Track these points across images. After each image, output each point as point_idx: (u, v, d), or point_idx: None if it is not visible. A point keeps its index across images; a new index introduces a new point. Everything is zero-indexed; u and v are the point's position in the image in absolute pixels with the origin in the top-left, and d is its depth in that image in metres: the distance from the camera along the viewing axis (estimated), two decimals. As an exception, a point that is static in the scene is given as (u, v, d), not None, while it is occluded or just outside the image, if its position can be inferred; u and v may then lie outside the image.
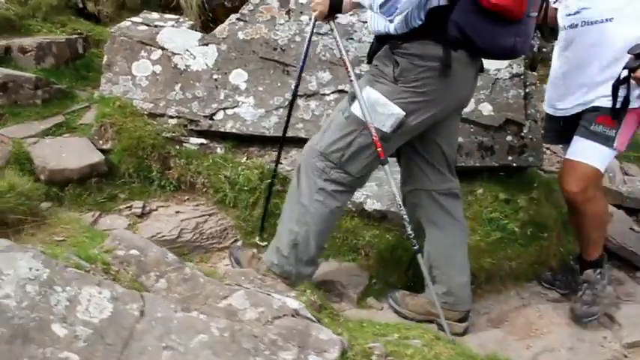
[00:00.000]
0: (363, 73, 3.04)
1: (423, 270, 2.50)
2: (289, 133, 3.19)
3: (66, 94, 3.97)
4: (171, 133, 3.49)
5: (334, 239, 3.12)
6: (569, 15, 2.78)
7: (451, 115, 2.48)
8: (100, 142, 3.48)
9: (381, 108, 2.22)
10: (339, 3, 2.40)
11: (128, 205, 3.26)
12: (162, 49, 3.61)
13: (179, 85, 3.55)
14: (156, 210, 3.26)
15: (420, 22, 2.14)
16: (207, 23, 5.44)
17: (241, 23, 3.55)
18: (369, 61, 2.46)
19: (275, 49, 3.48)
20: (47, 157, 3.22)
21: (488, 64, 3.48)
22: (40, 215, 2.61)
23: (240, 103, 3.47)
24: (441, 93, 2.25)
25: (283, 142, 3.05)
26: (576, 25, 2.75)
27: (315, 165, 2.38)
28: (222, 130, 3.48)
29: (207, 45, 3.57)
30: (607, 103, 2.63)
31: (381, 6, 2.12)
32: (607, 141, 2.66)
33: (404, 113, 2.22)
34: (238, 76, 3.50)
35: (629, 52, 2.50)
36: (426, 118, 2.30)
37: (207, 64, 3.54)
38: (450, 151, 2.59)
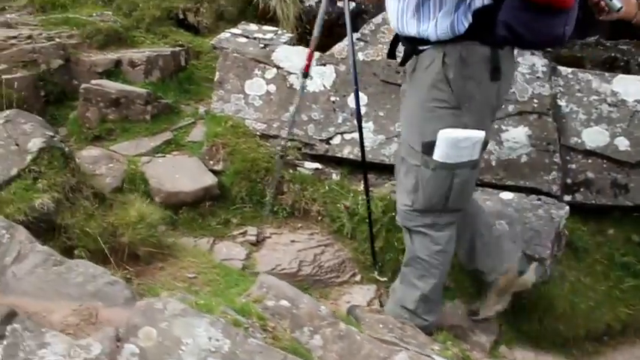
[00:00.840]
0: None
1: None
2: None
3: (172, 108, 3.89)
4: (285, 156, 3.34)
5: (461, 277, 2.90)
6: None
7: None
8: (211, 162, 3.37)
9: (463, 143, 2.09)
10: None
11: (241, 230, 3.12)
12: (278, 67, 3.47)
13: (294, 106, 3.39)
14: (269, 237, 3.11)
15: (467, 25, 2.01)
16: (304, 35, 5.31)
17: (362, 44, 3.37)
18: (403, 64, 2.33)
19: (397, 72, 3.28)
20: (162, 178, 3.12)
21: (626, 93, 3.22)
22: (164, 246, 2.50)
23: (359, 128, 3.28)
24: (496, 95, 2.16)
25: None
26: None
27: (421, 222, 2.26)
28: (338, 155, 3.31)
29: (324, 65, 3.41)
30: None
31: (417, 9, 2.01)
32: None
33: (483, 133, 2.11)
34: (357, 100, 3.31)
35: None
36: (492, 120, 2.30)
37: (324, 86, 3.38)
38: None
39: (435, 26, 2.03)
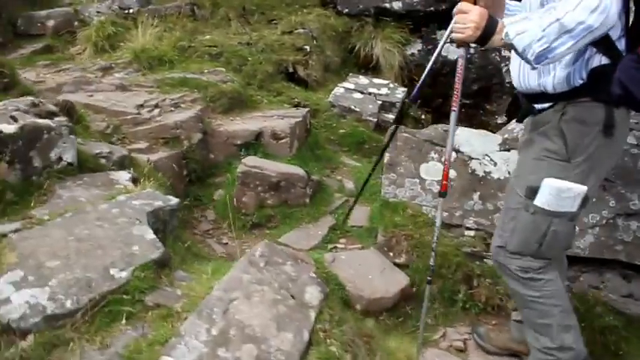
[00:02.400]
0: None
1: (425, 302, 2.48)
2: (606, 255, 2.85)
3: (320, 185, 3.65)
4: (471, 248, 3.15)
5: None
6: None
7: None
8: (391, 254, 3.15)
9: (565, 193, 2.14)
10: (491, 34, 2.02)
11: (440, 333, 2.93)
12: (457, 151, 3.26)
13: (477, 193, 3.20)
14: (470, 340, 2.92)
15: (582, 81, 2.05)
16: (410, 84, 5.13)
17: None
18: (520, 121, 2.41)
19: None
20: (356, 282, 2.89)
21: None
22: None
23: (552, 219, 3.10)
24: (607, 155, 2.17)
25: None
26: None
27: (515, 265, 2.30)
28: (529, 248, 3.12)
29: (508, 150, 3.21)
30: None
31: (539, 57, 1.90)
32: None
33: (586, 188, 2.13)
34: (548, 188, 3.14)
35: None
36: (599, 180, 2.28)
37: (509, 172, 3.18)
38: None
39: (553, 77, 2.09)
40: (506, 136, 3.31)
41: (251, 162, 3.42)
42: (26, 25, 5.28)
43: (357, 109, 4.57)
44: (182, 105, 3.95)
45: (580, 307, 2.87)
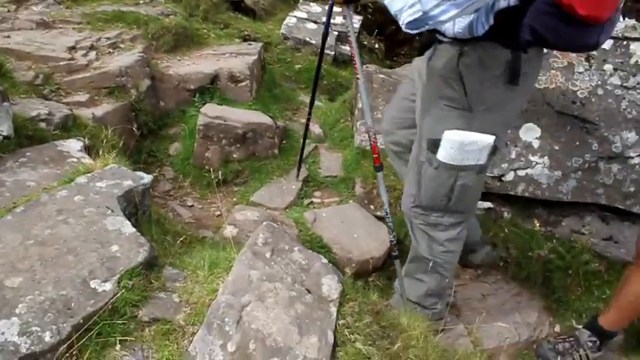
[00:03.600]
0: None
1: (399, 276, 2.44)
2: (588, 199, 2.85)
3: (286, 131, 3.36)
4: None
5: None
6: None
7: None
8: (372, 207, 2.99)
9: (469, 147, 1.99)
10: None
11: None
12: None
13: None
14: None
15: (487, 27, 1.82)
16: (363, 10, 4.78)
17: (530, 66, 3.01)
18: (420, 54, 2.11)
19: (574, 102, 2.99)
20: (343, 243, 2.72)
21: None
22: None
23: (534, 163, 3.01)
24: (514, 101, 2.00)
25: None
26: None
27: (424, 220, 2.22)
28: (511, 193, 3.04)
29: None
30: None
31: (410, 24, 1.69)
32: None
33: (492, 139, 1.98)
34: (530, 132, 3.01)
35: None
36: (508, 127, 2.20)
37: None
38: None
39: (452, 23, 1.83)
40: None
41: (211, 112, 3.06)
42: None
43: (312, 42, 4.20)
44: (121, 45, 3.44)
45: (566, 255, 2.86)
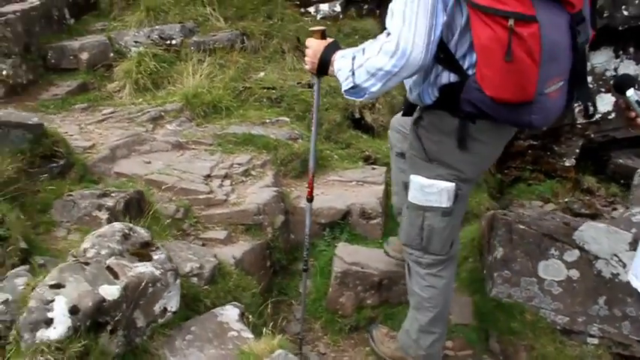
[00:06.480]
0: None
1: (302, 291, 2.79)
2: None
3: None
4: (594, 359, 2.85)
5: None
6: None
7: None
8: (510, 366, 2.85)
9: (428, 189, 2.21)
10: (327, 67, 2.14)
11: None
12: (581, 249, 2.93)
13: (604, 297, 2.89)
14: None
15: (434, 99, 2.04)
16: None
17: None
18: (404, 114, 2.41)
19: None
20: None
21: None
22: None
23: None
24: (470, 161, 2.17)
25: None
26: None
27: (410, 256, 2.44)
28: (663, 361, 2.84)
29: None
30: None
31: (348, 92, 2.00)
32: None
33: (452, 184, 2.18)
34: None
35: None
36: (474, 177, 2.32)
37: None
38: None
39: (410, 94, 2.15)
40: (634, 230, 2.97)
41: (348, 256, 3.05)
42: (57, 58, 4.70)
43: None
44: (253, 172, 3.53)
45: None
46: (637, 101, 1.87)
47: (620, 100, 1.94)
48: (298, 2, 5.68)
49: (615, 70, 4.60)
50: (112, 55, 4.74)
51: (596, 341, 2.90)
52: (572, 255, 2.95)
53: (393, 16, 1.83)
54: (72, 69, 4.71)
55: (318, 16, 5.71)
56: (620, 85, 1.93)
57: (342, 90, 2.01)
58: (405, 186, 2.32)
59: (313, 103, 2.48)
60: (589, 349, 2.89)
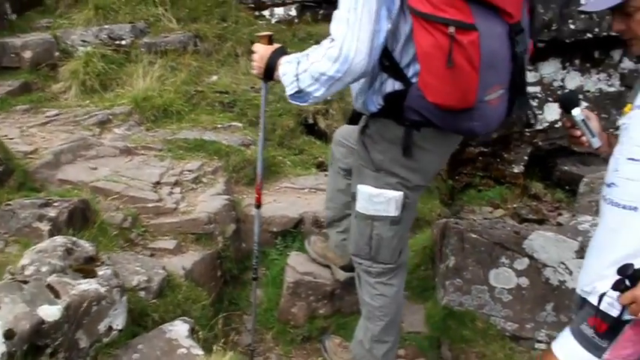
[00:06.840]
0: None
1: (252, 301, 2.78)
2: None
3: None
4: (542, 363, 2.91)
5: None
6: (605, 185, 2.02)
7: None
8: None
9: (376, 198, 2.22)
10: (273, 72, 2.13)
11: None
12: (531, 258, 2.99)
13: (551, 304, 2.96)
14: None
15: (379, 107, 2.06)
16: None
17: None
18: (350, 122, 2.48)
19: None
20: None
21: None
22: None
23: None
24: (416, 169, 2.20)
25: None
26: (605, 199, 1.98)
27: (359, 266, 2.46)
28: None
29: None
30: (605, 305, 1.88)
31: (292, 97, 2.01)
32: (596, 350, 1.92)
33: (400, 193, 2.20)
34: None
35: (617, 272, 1.80)
36: (421, 184, 2.30)
37: (586, 282, 2.94)
38: None
39: (356, 102, 2.17)
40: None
41: (300, 266, 3.02)
42: (-2, 56, 4.50)
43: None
44: (204, 180, 3.46)
45: None
46: (582, 120, 1.90)
47: (564, 118, 1.96)
48: (253, 5, 5.62)
49: (562, 80, 4.73)
50: (57, 54, 4.55)
51: (543, 346, 2.95)
52: (522, 263, 3.01)
53: (337, 22, 1.84)
54: (13, 67, 4.50)
55: (273, 20, 5.66)
56: (565, 102, 1.96)
57: (287, 94, 2.01)
58: (353, 196, 2.31)
59: (260, 117, 2.51)
60: (537, 354, 2.96)
